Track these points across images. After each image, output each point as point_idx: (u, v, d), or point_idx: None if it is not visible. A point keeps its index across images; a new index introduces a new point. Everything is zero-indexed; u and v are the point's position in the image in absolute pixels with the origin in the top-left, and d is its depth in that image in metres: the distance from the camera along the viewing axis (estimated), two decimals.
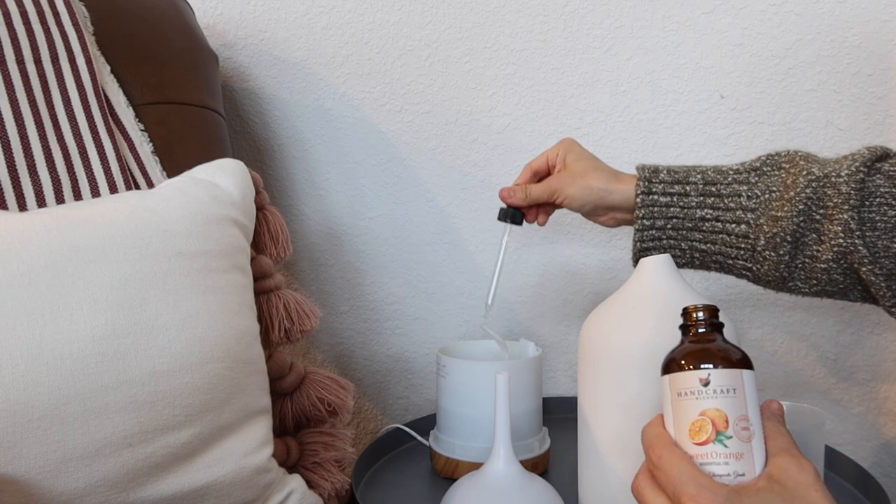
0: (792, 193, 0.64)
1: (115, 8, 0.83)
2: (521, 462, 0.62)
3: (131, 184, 0.75)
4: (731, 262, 0.69)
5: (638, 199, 0.70)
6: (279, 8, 1.02)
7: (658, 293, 0.61)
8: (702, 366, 0.47)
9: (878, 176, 0.61)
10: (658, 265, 0.62)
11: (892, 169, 0.61)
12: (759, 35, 0.92)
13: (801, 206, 0.63)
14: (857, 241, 0.61)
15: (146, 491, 0.58)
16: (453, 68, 1.00)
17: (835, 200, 0.62)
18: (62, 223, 0.58)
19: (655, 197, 0.70)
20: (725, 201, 0.68)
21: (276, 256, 0.75)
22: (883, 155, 0.63)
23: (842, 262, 0.63)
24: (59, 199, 0.70)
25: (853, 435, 0.96)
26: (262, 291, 0.72)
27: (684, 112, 0.95)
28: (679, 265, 0.71)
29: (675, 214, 0.69)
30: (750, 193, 0.67)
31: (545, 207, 0.80)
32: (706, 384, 0.46)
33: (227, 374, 0.61)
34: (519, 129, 1.00)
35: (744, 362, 0.47)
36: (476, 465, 0.65)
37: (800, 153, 0.67)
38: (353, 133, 1.03)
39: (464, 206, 1.03)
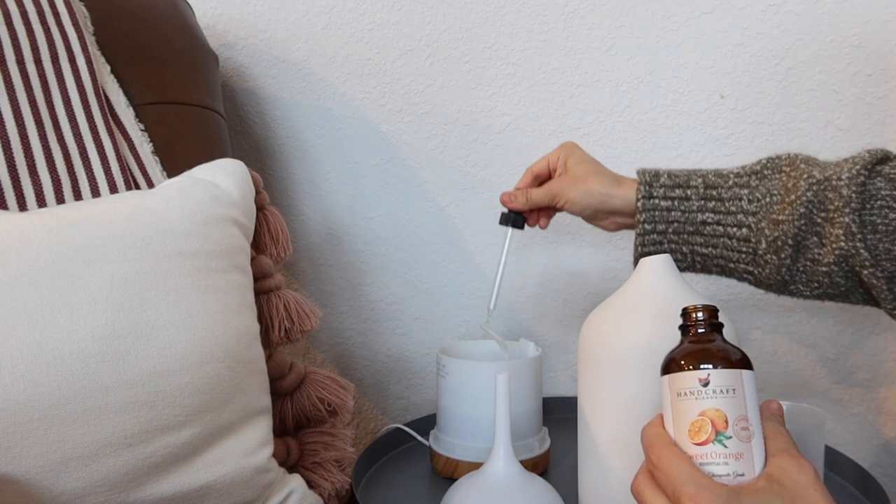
0: (793, 197, 0.64)
1: (115, 8, 0.83)
2: (521, 462, 0.62)
3: (131, 184, 0.75)
4: (732, 265, 0.69)
5: (639, 204, 0.70)
6: (279, 8, 1.02)
7: (658, 293, 0.60)
8: (701, 366, 0.47)
9: (879, 179, 0.61)
10: (658, 265, 0.62)
11: (892, 172, 0.61)
12: (758, 35, 0.92)
13: (802, 210, 0.63)
14: (858, 244, 0.61)
15: (146, 491, 0.58)
16: (453, 68, 1.00)
17: (836, 204, 0.62)
18: (62, 223, 0.58)
19: (656, 201, 0.70)
20: (726, 205, 0.68)
21: (276, 256, 0.75)
22: (883, 158, 0.63)
23: (843, 265, 0.63)
24: (60, 199, 0.70)
25: (853, 435, 0.96)
26: (263, 291, 0.72)
27: (684, 112, 0.95)
28: (681, 269, 0.70)
29: (676, 218, 0.69)
30: (751, 197, 0.67)
31: (546, 211, 0.80)
32: (706, 384, 0.46)
33: (228, 374, 0.61)
34: (519, 129, 1.00)
35: (743, 362, 0.47)
36: (476, 465, 0.65)
37: (800, 156, 0.67)
38: (353, 133, 1.03)
39: (464, 206, 1.03)
